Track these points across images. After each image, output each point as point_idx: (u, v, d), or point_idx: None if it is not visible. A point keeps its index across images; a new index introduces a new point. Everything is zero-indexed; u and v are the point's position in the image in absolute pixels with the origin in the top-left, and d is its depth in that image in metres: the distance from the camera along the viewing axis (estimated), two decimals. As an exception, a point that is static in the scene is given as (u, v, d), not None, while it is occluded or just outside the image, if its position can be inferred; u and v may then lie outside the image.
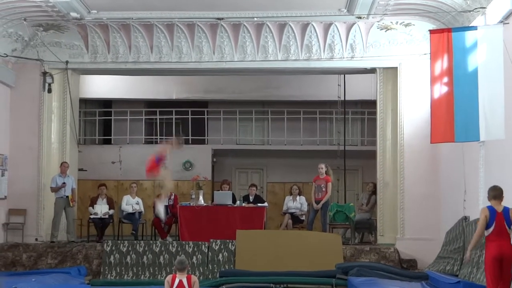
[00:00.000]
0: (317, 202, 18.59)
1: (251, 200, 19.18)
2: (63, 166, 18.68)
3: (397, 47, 18.42)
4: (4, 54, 18.19)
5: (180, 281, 10.61)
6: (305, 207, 19.38)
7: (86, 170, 22.75)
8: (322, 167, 18.82)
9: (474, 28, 13.37)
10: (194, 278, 10.81)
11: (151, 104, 26.29)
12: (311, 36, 18.37)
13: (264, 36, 18.47)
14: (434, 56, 13.53)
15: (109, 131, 26.26)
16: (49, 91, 18.58)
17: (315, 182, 18.86)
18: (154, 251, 17.50)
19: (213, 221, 18.26)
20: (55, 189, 18.45)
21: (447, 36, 13.20)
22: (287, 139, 25.28)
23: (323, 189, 18.60)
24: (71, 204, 18.61)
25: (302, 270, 16.21)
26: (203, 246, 17.49)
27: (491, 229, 10.58)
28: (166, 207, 19.14)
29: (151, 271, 17.34)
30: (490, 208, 10.66)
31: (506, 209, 10.65)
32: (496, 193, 10.78)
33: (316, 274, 15.96)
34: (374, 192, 19.46)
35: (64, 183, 18.45)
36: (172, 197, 19.38)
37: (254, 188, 19.71)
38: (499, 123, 12.46)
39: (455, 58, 13.07)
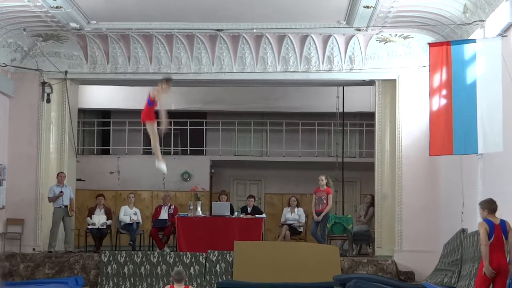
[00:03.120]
0: (318, 213, 18.56)
1: (249, 211, 19.17)
2: (60, 176, 18.66)
3: (395, 60, 18.45)
4: (3, 64, 18.19)
5: (178, 292, 10.61)
6: (303, 219, 19.37)
7: (84, 180, 22.74)
8: (322, 179, 18.79)
9: (473, 41, 13.41)
10: (192, 289, 10.81)
11: (150, 114, 26.26)
12: (310, 48, 18.41)
13: (263, 48, 18.51)
14: (433, 68, 13.56)
15: (107, 141, 26.28)
16: (48, 101, 18.55)
17: (316, 194, 18.84)
18: (151, 262, 17.48)
19: (211, 232, 18.25)
20: (52, 199, 18.44)
21: (446, 49, 13.23)
22: (286, 150, 25.29)
23: (324, 201, 18.58)
24: (70, 213, 18.60)
25: (299, 281, 16.21)
26: (200, 257, 17.48)
27: (489, 242, 10.62)
28: (165, 220, 19.15)
29: (149, 282, 17.32)
30: (488, 222, 10.70)
31: (502, 222, 10.74)
32: (495, 206, 10.85)
33: (313, 286, 15.97)
34: (372, 204, 19.46)
35: (61, 191, 18.44)
36: (172, 207, 19.41)
37: (252, 199, 19.72)
38: (497, 136, 12.47)
39: (454, 71, 13.10)
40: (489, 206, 10.88)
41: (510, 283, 11.13)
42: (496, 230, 10.64)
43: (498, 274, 10.61)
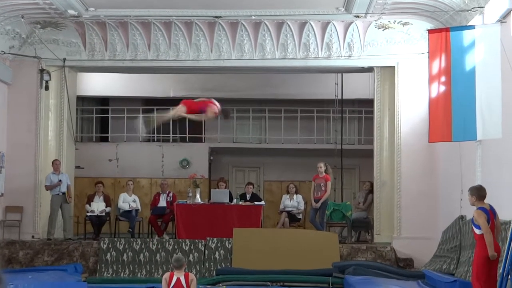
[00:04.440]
0: (316, 200, 18.58)
1: (248, 198, 19.19)
2: (55, 164, 18.61)
3: (394, 46, 18.43)
4: (2, 51, 18.16)
5: (178, 279, 10.64)
6: (302, 206, 19.40)
7: (83, 168, 22.74)
8: (321, 166, 18.80)
9: (472, 27, 13.38)
10: (192, 276, 10.84)
11: (149, 102, 26.25)
12: (309, 35, 18.38)
13: (261, 35, 18.47)
14: (432, 55, 13.53)
15: (106, 129, 26.24)
16: (47, 88, 18.53)
17: (315, 181, 18.84)
18: (150, 249, 17.50)
19: (210, 219, 18.26)
20: (50, 187, 18.43)
21: (445, 35, 13.20)
22: (284, 137, 25.27)
23: (323, 188, 18.60)
24: (67, 200, 18.59)
25: (298, 268, 16.24)
26: (199, 244, 17.50)
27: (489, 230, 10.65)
28: (164, 208, 19.14)
29: (148, 269, 17.35)
30: (483, 210, 10.73)
31: (491, 207, 10.81)
32: (484, 193, 10.92)
33: (312, 273, 15.99)
34: (371, 190, 19.48)
35: (60, 180, 18.43)
36: (171, 194, 19.42)
37: (251, 186, 19.74)
38: (496, 122, 12.46)
39: (453, 57, 13.07)
40: (479, 193, 10.92)
41: (508, 269, 11.16)
42: (491, 216, 10.70)
43: (494, 260, 10.67)
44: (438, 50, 13.31)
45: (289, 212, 19.20)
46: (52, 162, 18.68)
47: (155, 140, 25.62)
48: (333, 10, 17.20)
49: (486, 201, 10.94)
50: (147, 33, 18.58)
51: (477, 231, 10.79)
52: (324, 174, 18.78)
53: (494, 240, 10.69)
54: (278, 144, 25.33)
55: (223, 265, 17.18)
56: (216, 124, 25.44)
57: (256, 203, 18.87)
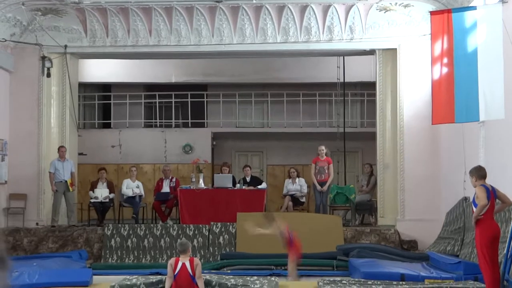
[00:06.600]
0: (320, 183, 18.60)
1: (248, 181, 19.18)
2: (61, 150, 18.62)
3: (396, 28, 18.37)
4: (3, 39, 18.14)
5: (183, 264, 10.67)
6: (305, 189, 19.42)
7: (86, 154, 22.75)
8: (323, 149, 18.84)
9: (474, 8, 13.34)
10: (197, 261, 10.88)
11: (151, 87, 26.28)
12: (310, 18, 18.32)
13: (263, 19, 18.41)
14: (434, 37, 13.51)
15: (108, 115, 26.27)
16: (48, 75, 18.53)
17: (316, 163, 18.83)
18: (155, 235, 17.52)
19: (214, 204, 18.28)
20: (51, 178, 18.43)
21: (447, 16, 13.17)
22: (287, 121, 25.28)
23: (326, 171, 18.66)
24: (70, 188, 18.61)
25: (303, 252, 16.23)
26: (203, 229, 17.51)
27: (486, 207, 10.66)
28: (168, 193, 19.16)
29: (152, 255, 17.37)
30: (485, 187, 10.75)
31: (492, 187, 10.80)
32: (483, 172, 10.95)
33: (317, 256, 15.98)
34: (372, 172, 19.53)
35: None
36: (174, 180, 19.43)
37: (249, 169, 19.72)
38: (498, 103, 12.45)
39: (455, 39, 13.04)
40: (478, 173, 10.94)
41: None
42: (491, 195, 10.72)
43: (495, 239, 10.67)
44: (440, 31, 13.28)
45: (292, 196, 19.21)
46: (58, 149, 18.68)
47: (158, 125, 25.65)
48: (334, -7, 17.17)
49: (489, 182, 10.95)
50: (148, 18, 18.54)
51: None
52: (325, 157, 18.83)
53: (492, 220, 10.71)
54: (281, 128, 25.36)
55: (227, 250, 17.20)
56: (218, 109, 25.46)
57: (259, 187, 18.87)
